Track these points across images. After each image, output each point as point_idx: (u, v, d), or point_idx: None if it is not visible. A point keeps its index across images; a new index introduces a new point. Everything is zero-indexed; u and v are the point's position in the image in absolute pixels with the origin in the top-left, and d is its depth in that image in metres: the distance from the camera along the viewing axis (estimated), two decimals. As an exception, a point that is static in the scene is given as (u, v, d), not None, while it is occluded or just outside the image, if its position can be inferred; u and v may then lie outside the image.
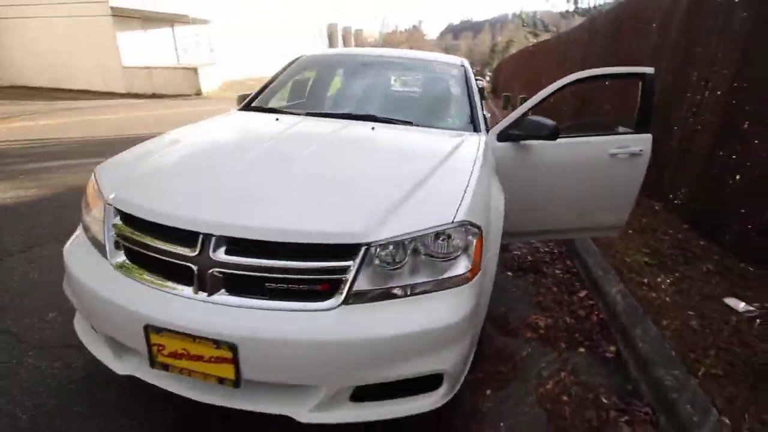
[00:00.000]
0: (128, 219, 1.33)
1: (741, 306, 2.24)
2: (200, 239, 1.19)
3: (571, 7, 13.51)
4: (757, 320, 2.11)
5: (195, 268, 1.19)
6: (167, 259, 1.24)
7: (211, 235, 1.19)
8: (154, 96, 14.40)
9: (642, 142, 2.30)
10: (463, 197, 1.38)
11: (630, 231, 3.25)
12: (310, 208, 1.31)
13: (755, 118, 2.86)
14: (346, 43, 51.74)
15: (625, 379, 1.81)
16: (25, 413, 1.47)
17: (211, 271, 1.18)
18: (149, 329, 1.17)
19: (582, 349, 2.00)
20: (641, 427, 1.53)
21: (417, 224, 1.24)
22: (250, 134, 2.05)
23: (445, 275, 1.26)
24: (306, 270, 1.18)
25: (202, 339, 1.14)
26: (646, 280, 2.54)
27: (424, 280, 1.24)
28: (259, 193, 1.37)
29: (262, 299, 1.18)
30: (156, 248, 1.25)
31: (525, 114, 2.24)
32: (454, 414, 1.56)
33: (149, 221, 1.27)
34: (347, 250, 1.18)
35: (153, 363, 1.22)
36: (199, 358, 1.16)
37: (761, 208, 2.75)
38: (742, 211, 2.88)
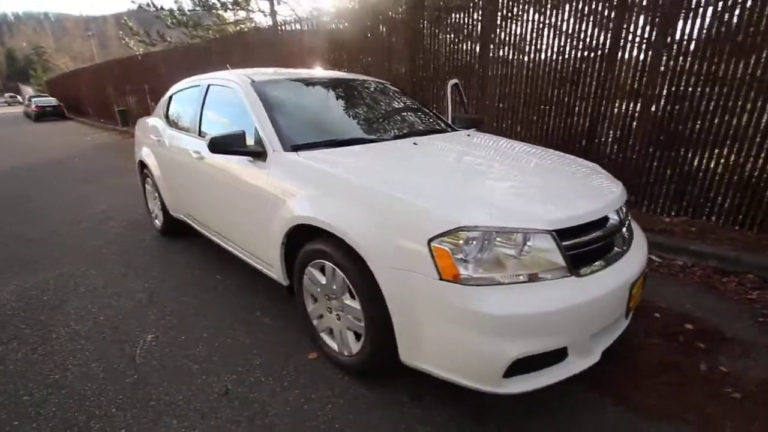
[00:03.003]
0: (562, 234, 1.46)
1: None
2: (616, 215, 1.66)
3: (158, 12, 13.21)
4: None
5: (620, 235, 1.66)
6: (602, 242, 1.58)
7: (621, 208, 1.69)
8: None
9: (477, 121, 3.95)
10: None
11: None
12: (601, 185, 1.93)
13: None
14: None
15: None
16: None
17: (625, 231, 1.70)
18: (632, 287, 1.57)
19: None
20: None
21: None
22: (437, 156, 2.13)
23: None
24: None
25: (642, 273, 1.69)
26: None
27: None
28: (575, 183, 1.85)
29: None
30: (599, 238, 1.55)
31: (454, 115, 3.32)
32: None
33: (588, 222, 1.52)
34: None
35: (627, 314, 1.61)
36: (636, 289, 1.68)
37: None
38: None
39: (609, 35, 3.75)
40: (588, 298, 1.43)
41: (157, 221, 3.73)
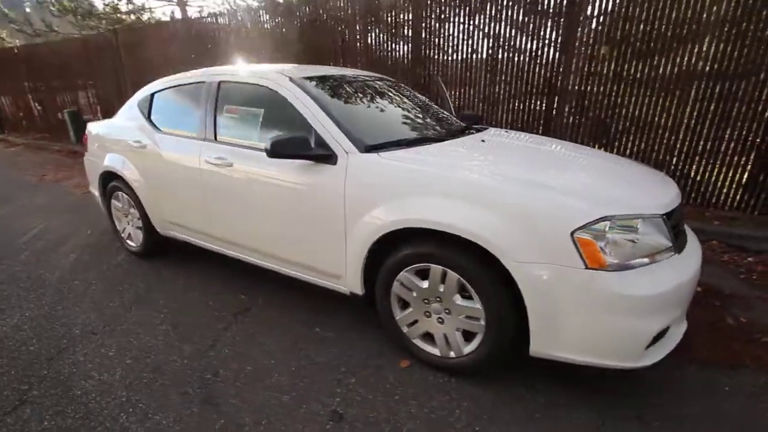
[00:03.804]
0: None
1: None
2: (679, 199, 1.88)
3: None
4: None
5: (682, 216, 1.89)
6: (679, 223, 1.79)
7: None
8: None
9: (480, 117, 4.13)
10: None
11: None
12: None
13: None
14: None
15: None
16: None
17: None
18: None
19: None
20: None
21: None
22: (518, 153, 2.21)
23: None
24: None
25: None
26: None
27: None
28: (647, 174, 2.05)
29: None
30: (679, 220, 1.75)
31: (457, 114, 3.41)
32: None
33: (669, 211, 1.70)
34: None
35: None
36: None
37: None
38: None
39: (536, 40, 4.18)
40: (691, 271, 1.62)
41: (130, 242, 3.20)
